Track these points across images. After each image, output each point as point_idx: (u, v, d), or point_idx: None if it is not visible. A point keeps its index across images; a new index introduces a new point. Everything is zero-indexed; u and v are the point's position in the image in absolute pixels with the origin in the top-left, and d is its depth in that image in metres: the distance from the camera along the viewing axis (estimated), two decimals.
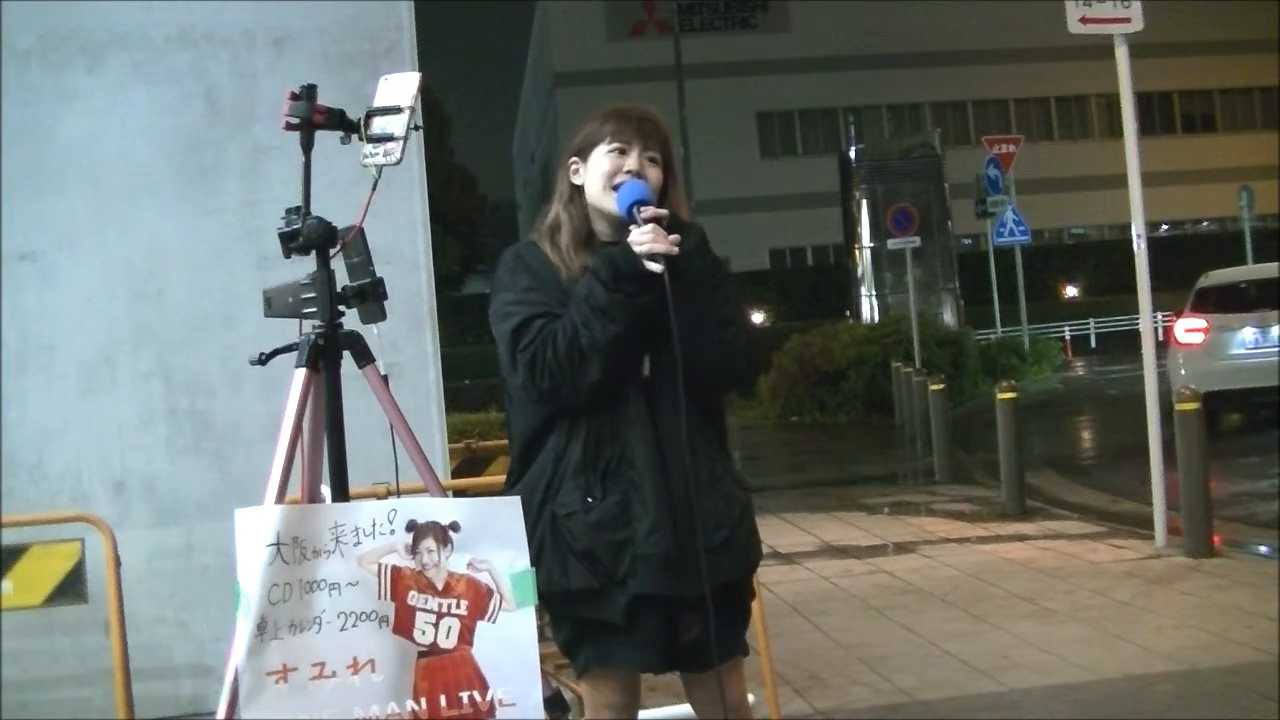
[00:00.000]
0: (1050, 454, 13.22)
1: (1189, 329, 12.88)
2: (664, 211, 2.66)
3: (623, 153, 2.73)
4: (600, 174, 2.74)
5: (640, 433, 2.66)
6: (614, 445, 2.66)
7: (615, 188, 2.71)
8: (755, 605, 3.00)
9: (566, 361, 2.60)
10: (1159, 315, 12.37)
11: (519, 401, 2.77)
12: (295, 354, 2.79)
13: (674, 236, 2.61)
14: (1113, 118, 27.77)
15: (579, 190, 2.79)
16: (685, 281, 2.61)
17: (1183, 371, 12.36)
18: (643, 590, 2.62)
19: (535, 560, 2.64)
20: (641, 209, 2.64)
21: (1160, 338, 11.58)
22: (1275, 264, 14.13)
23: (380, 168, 2.75)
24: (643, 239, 2.60)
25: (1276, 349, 12.14)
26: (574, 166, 2.80)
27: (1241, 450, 11.92)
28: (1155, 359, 7.87)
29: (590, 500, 2.65)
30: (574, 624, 2.73)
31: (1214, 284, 13.41)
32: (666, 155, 2.79)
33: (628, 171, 2.71)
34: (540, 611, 2.69)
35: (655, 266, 2.58)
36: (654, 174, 2.75)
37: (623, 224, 2.69)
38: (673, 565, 2.62)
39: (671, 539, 2.62)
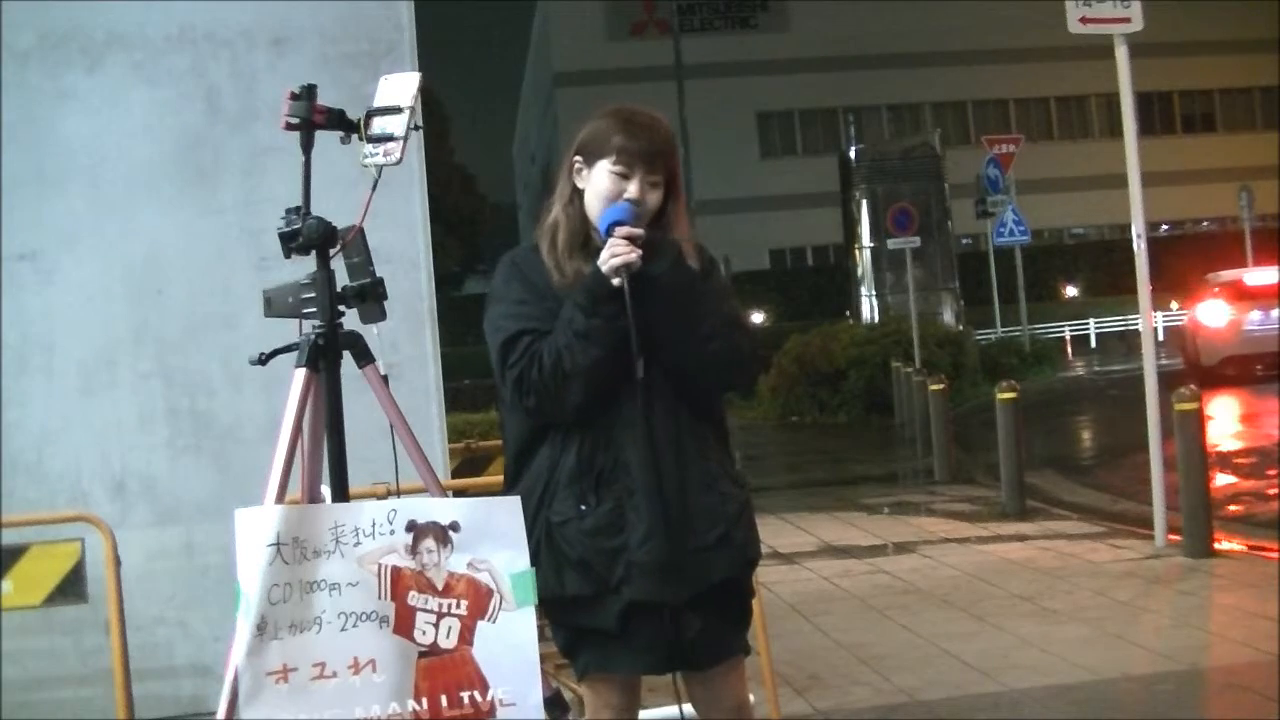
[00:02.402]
0: (1050, 454, 13.21)
1: (1214, 312, 18.80)
2: (639, 231, 2.65)
3: (625, 176, 2.71)
4: (600, 194, 2.72)
5: (634, 436, 2.65)
6: (608, 451, 2.66)
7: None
8: (755, 605, 2.99)
9: (551, 382, 2.61)
10: (1159, 315, 15.74)
11: (512, 408, 2.76)
12: (295, 354, 2.79)
13: (636, 253, 2.60)
14: (1113, 118, 27.74)
15: (579, 193, 2.78)
16: (658, 296, 2.62)
17: (1211, 343, 18.67)
18: (636, 597, 2.62)
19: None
20: (616, 230, 2.64)
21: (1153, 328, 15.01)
22: (1265, 267, 20.48)
23: (380, 168, 2.76)
24: (606, 255, 2.61)
25: (1275, 326, 17.87)
26: (577, 166, 2.78)
27: (1242, 451, 11.94)
28: (1155, 359, 7.87)
29: (584, 508, 2.65)
30: (572, 630, 2.74)
31: (1225, 280, 19.57)
32: (671, 172, 2.76)
33: (626, 199, 2.69)
34: (540, 612, 2.69)
35: (616, 281, 2.60)
36: (654, 198, 2.73)
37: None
38: (667, 570, 2.62)
39: (665, 544, 2.62)
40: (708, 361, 2.70)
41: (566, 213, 2.78)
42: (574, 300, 2.64)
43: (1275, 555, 6.95)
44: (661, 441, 2.66)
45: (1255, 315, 18.27)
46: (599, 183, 2.73)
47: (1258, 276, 19.68)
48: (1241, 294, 18.94)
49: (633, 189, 2.70)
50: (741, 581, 2.81)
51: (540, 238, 2.81)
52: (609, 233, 2.65)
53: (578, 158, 2.78)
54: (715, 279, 2.83)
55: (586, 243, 2.75)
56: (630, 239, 2.62)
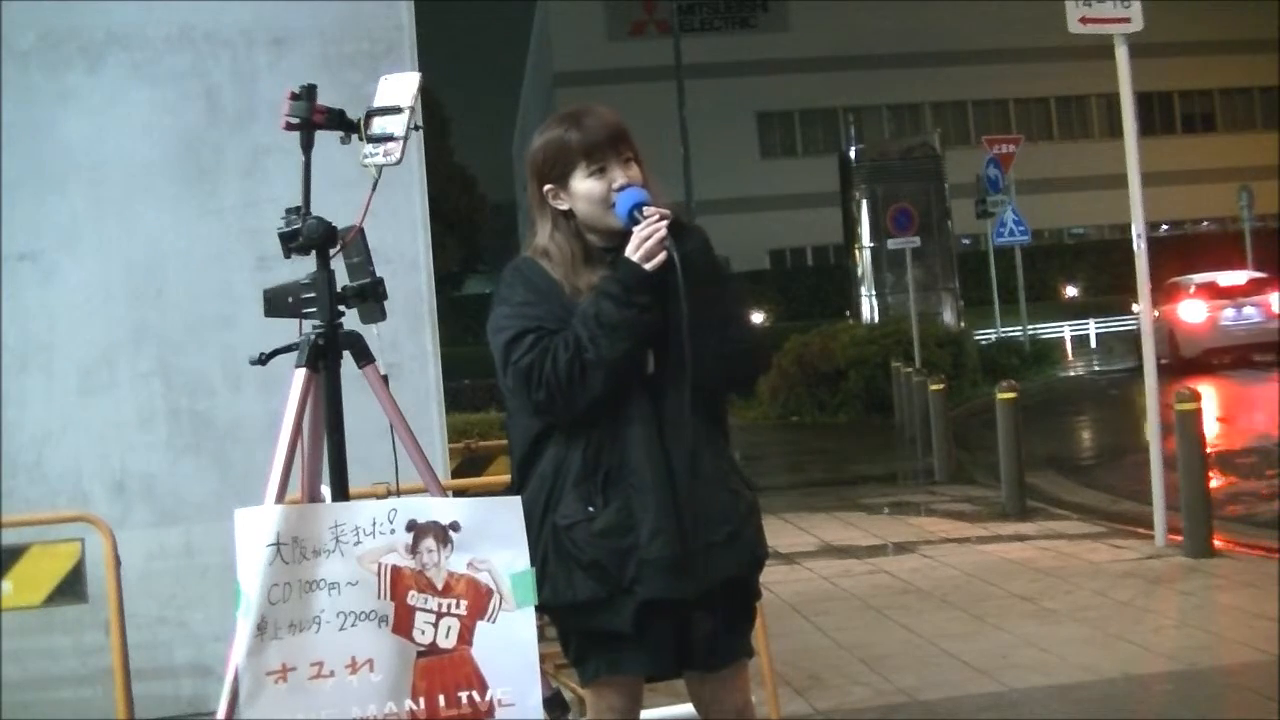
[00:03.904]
0: (1050, 454, 13.20)
1: (1194, 309, 21.58)
2: (666, 211, 2.66)
3: (603, 169, 2.69)
4: (594, 200, 2.70)
5: (642, 433, 2.64)
6: (614, 450, 2.64)
7: (614, 205, 2.69)
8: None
9: (566, 376, 2.58)
10: (1157, 314, 17.41)
11: (516, 412, 2.74)
12: (295, 354, 2.79)
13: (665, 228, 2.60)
14: (1113, 118, 27.72)
15: (564, 214, 2.75)
16: (690, 280, 2.59)
17: (1190, 337, 21.37)
18: (650, 595, 2.60)
19: (539, 574, 2.62)
20: (644, 210, 2.64)
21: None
22: (1236, 271, 23.91)
23: (380, 168, 2.76)
24: (640, 238, 2.60)
25: (1248, 321, 21.30)
26: (551, 192, 2.74)
27: (1242, 450, 11.95)
28: (1155, 358, 7.87)
29: (592, 509, 2.62)
30: (582, 635, 2.71)
31: (1200, 282, 22.41)
32: (633, 149, 2.75)
33: (618, 188, 2.69)
34: (540, 612, 2.68)
35: (654, 264, 2.59)
36: (635, 173, 2.72)
37: (624, 231, 2.68)
38: (678, 567, 2.60)
39: (675, 541, 2.60)
40: (729, 347, 2.67)
41: (555, 240, 2.74)
42: (604, 292, 2.61)
43: (1275, 555, 6.95)
44: (672, 438, 2.64)
45: (1230, 311, 21.41)
46: (586, 192, 2.70)
47: (1229, 278, 22.79)
48: (1216, 293, 21.84)
49: (619, 177, 2.69)
50: (749, 582, 2.80)
51: (536, 256, 2.78)
52: (631, 216, 2.64)
53: (548, 186, 2.74)
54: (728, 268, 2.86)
55: (588, 257, 2.74)
56: (661, 216, 2.61)
